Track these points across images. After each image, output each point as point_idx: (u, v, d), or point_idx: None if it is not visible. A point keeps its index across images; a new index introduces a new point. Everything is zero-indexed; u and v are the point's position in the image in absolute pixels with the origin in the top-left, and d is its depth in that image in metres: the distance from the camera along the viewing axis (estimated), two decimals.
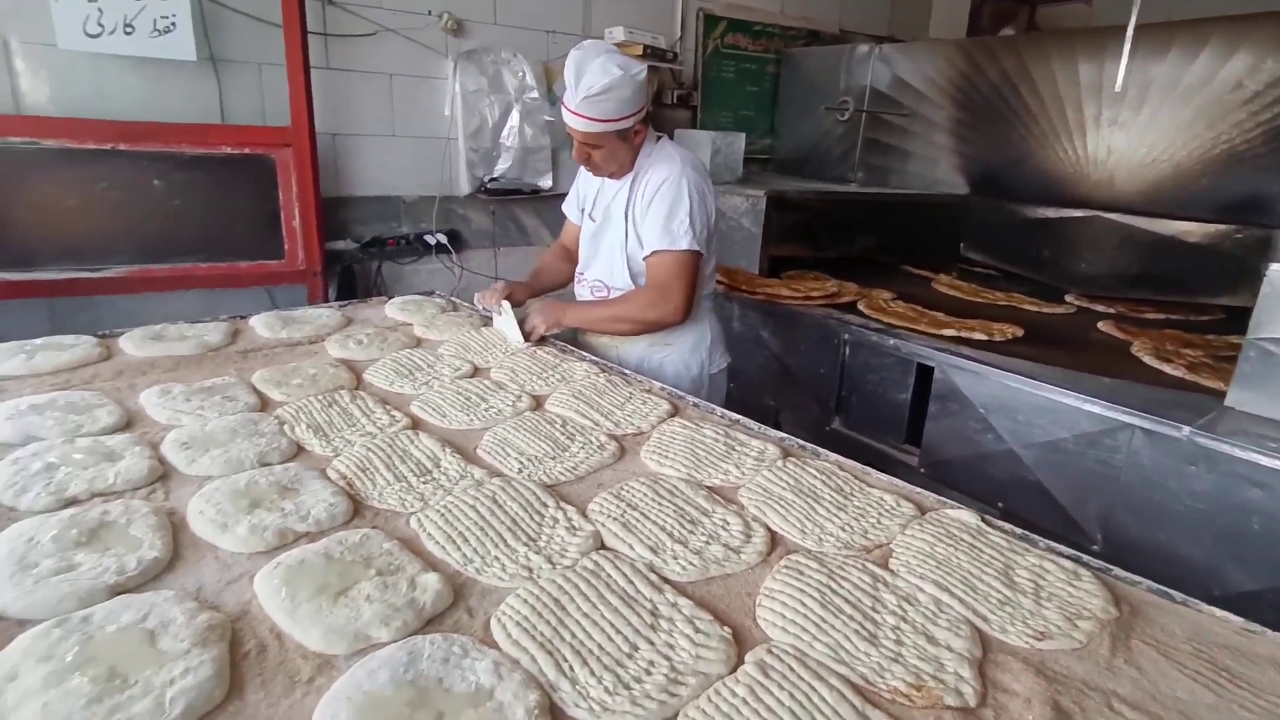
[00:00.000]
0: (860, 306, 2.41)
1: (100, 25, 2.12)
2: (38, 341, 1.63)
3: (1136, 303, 2.66)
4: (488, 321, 2.03)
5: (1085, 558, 1.00)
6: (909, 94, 3.40)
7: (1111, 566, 0.99)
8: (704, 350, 1.94)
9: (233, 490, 1.07)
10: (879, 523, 1.08)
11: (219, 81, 2.45)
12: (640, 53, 3.17)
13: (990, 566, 0.96)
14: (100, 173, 2.23)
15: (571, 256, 2.10)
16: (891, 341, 2.12)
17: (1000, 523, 1.08)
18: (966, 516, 1.08)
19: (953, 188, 3.32)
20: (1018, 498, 1.83)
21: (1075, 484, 1.74)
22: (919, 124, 3.41)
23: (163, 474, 1.14)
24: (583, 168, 1.89)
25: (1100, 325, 2.41)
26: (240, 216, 2.46)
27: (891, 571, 0.96)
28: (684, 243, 1.72)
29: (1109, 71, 2.69)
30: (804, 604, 0.88)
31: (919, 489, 1.19)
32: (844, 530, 1.06)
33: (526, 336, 1.81)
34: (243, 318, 1.95)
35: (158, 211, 2.32)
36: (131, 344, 1.69)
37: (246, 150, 2.40)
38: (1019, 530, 1.06)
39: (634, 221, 1.82)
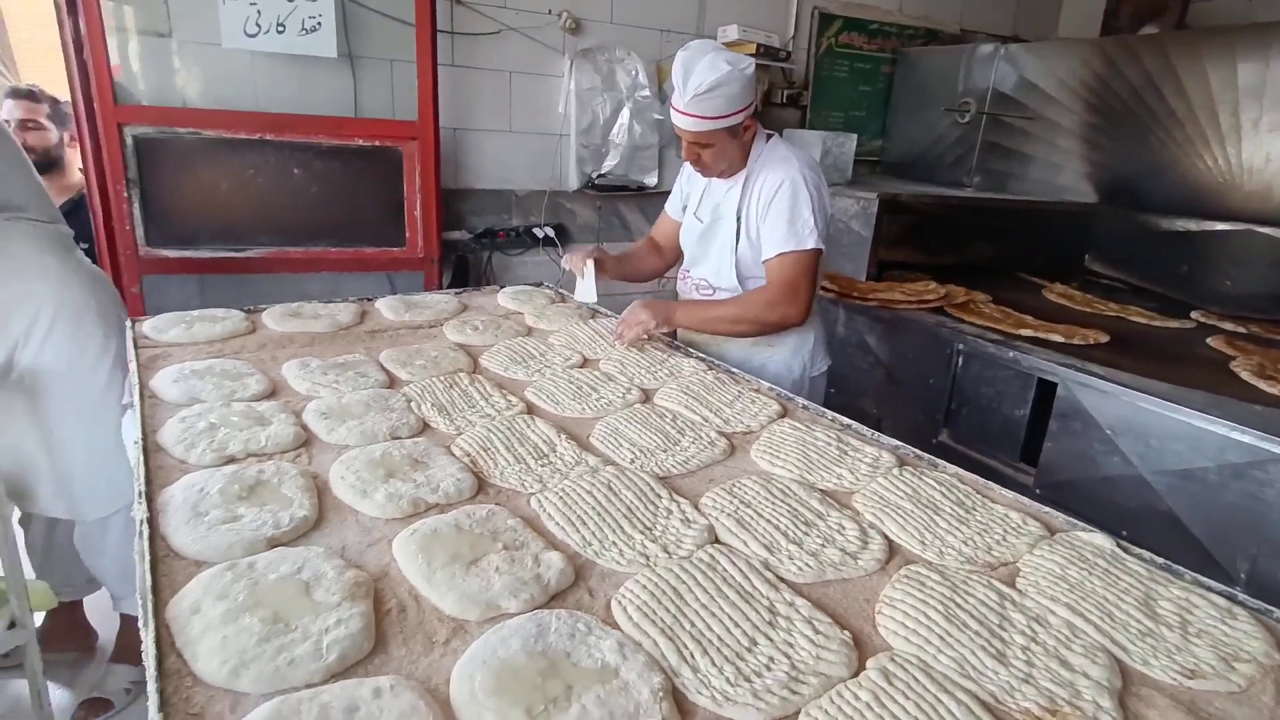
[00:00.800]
0: (945, 306, 2.34)
1: (257, 25, 2.30)
2: (194, 313, 1.79)
3: (1275, 324, 2.44)
4: (595, 313, 2.07)
5: (1241, 595, 0.93)
6: (1035, 96, 3.23)
7: (1273, 609, 0.91)
8: (806, 353, 1.91)
9: (369, 460, 1.14)
10: (1004, 540, 1.04)
11: (354, 77, 2.60)
12: (753, 51, 3.15)
13: (1129, 595, 0.91)
14: (249, 160, 2.41)
15: (662, 252, 2.11)
16: (1010, 354, 2.02)
17: (1138, 550, 1.01)
18: (1101, 540, 1.03)
19: (1078, 195, 3.13)
20: (1146, 528, 1.71)
21: (1215, 519, 1.61)
22: (1044, 127, 3.23)
23: (305, 440, 1.23)
24: (686, 165, 1.90)
25: (1210, 340, 2.26)
26: (368, 205, 2.61)
27: (1019, 591, 0.93)
28: (810, 241, 1.71)
29: (1275, 72, 2.46)
30: (927, 615, 0.86)
31: (1047, 508, 1.13)
32: (966, 545, 1.02)
33: (627, 338, 1.77)
34: (369, 300, 2.07)
35: (296, 198, 2.50)
36: (273, 320, 1.83)
37: (377, 142, 2.54)
38: (1160, 559, 1.00)
39: (746, 222, 1.80)
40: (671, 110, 1.71)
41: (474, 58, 2.85)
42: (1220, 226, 2.70)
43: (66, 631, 2.00)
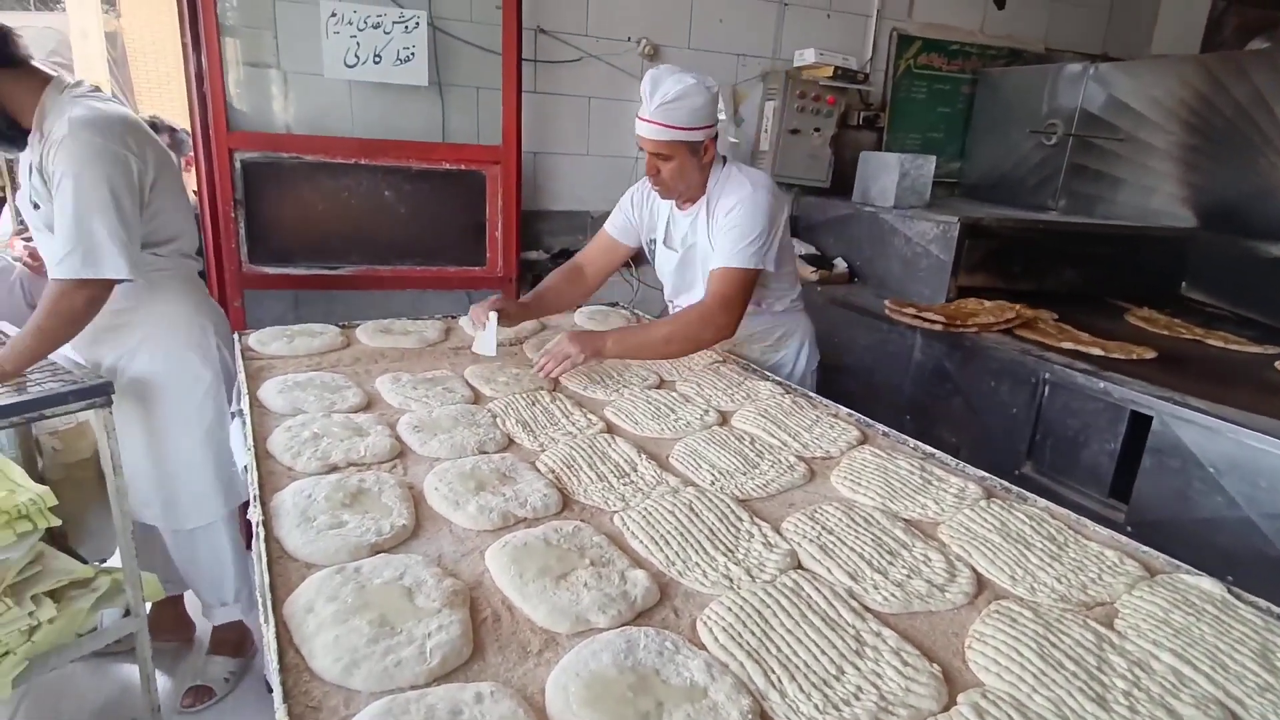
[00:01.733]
0: (1010, 327, 2.34)
1: (356, 56, 2.44)
2: (295, 328, 1.90)
3: None
4: None
5: None
6: (1127, 116, 3.11)
7: None
8: (806, 351, 2.05)
9: (460, 472, 1.19)
10: (1099, 579, 1.00)
11: (443, 103, 2.73)
12: (830, 74, 3.15)
13: (1243, 645, 0.87)
14: (344, 183, 2.55)
15: (584, 278, 2.08)
16: (1101, 385, 1.94)
17: (1253, 597, 0.96)
18: (1209, 585, 0.98)
19: (1173, 220, 2.99)
20: (1253, 574, 1.61)
21: None
22: (1136, 149, 3.10)
23: (400, 452, 1.29)
24: (631, 191, 2.02)
25: (1277, 364, 2.16)
26: (452, 226, 2.72)
27: (1118, 633, 0.89)
28: (754, 261, 1.74)
29: None
30: (1020, 652, 0.84)
31: (1146, 548, 1.09)
32: (1059, 582, 0.99)
33: (551, 371, 1.70)
34: (453, 317, 2.15)
35: (386, 219, 2.62)
36: (365, 335, 1.93)
37: (462, 166, 2.65)
38: (1278, 609, 0.95)
39: (714, 244, 1.83)
40: (638, 122, 1.74)
41: (555, 84, 2.94)
42: None
43: (170, 622, 2.13)
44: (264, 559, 0.91)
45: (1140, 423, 1.86)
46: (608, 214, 3.17)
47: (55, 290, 1.58)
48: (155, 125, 2.69)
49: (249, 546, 2.57)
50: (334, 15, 2.39)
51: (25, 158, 1.66)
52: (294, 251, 2.54)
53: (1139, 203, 3.12)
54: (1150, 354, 2.15)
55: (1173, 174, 3.00)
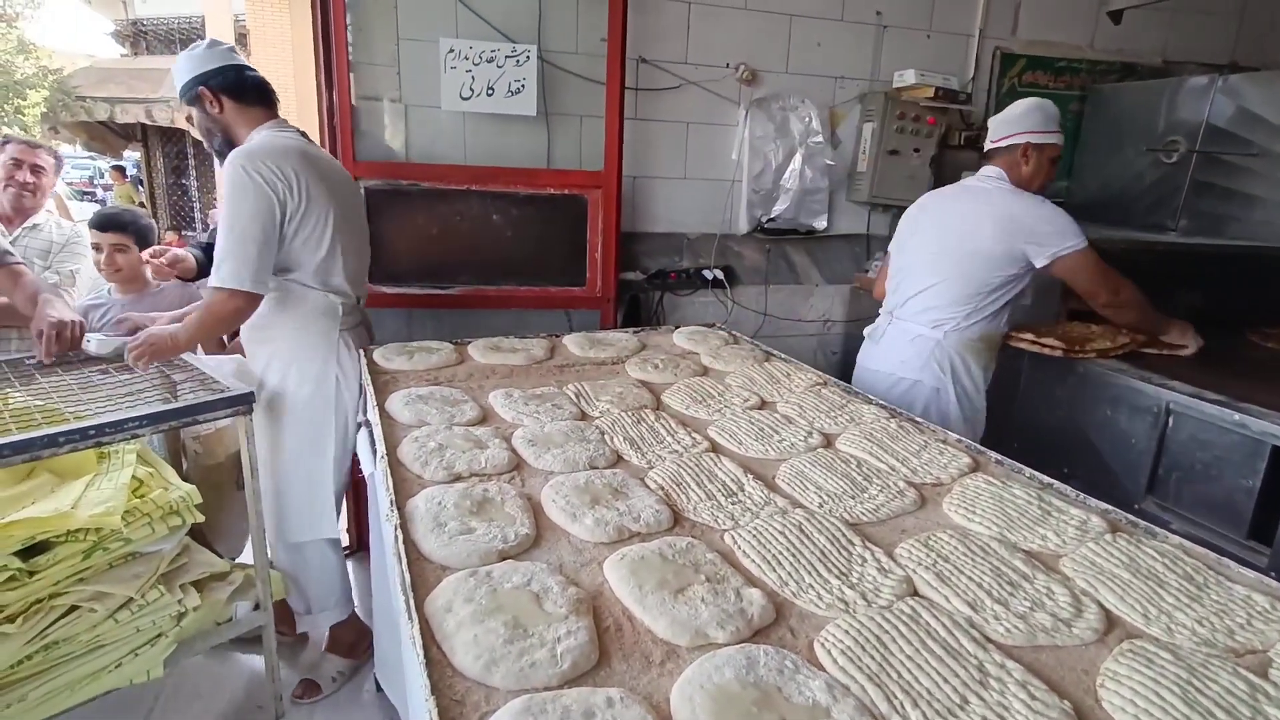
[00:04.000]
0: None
1: (471, 90, 2.59)
2: (414, 344, 2.02)
3: None
4: (768, 357, 2.11)
5: None
6: (1261, 129, 2.91)
7: None
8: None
9: (575, 486, 1.24)
10: (1249, 624, 0.95)
11: (549, 131, 2.84)
12: (931, 95, 3.10)
13: None
14: (457, 208, 2.70)
15: None
16: (1236, 417, 1.81)
17: None
18: None
19: None
20: None
21: None
22: (1271, 164, 2.89)
23: (517, 464, 1.36)
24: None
25: None
26: (554, 248, 2.82)
27: (1274, 683, 0.84)
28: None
29: None
30: (1160, 696, 0.80)
31: None
32: (1201, 625, 0.94)
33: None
34: (557, 336, 2.23)
35: (493, 241, 2.75)
36: (477, 352, 2.03)
37: (566, 191, 2.75)
38: None
39: None
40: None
41: (655, 111, 3.02)
42: None
43: (286, 619, 2.28)
44: (404, 560, 0.98)
45: None
46: (704, 235, 3.23)
47: (208, 294, 1.79)
48: None
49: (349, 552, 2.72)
50: (452, 51, 2.54)
51: None
52: (409, 272, 2.69)
53: (1273, 222, 2.90)
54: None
55: None
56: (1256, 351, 2.46)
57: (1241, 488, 1.81)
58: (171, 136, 9.72)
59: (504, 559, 1.02)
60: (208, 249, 2.25)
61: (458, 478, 1.27)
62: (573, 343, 2.15)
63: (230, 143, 1.89)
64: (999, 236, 2.04)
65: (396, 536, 1.04)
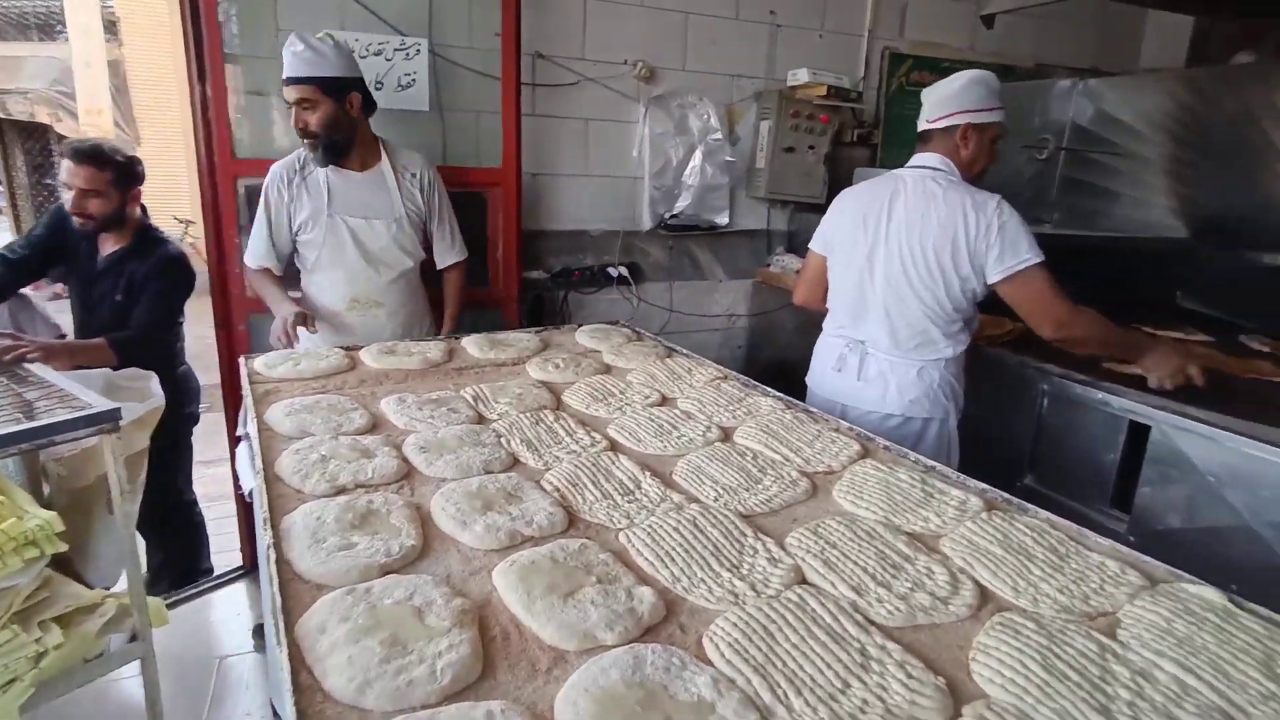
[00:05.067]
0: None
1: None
2: (300, 351, 1.92)
3: None
4: (670, 353, 2.11)
5: None
6: (1118, 130, 3.15)
7: None
8: None
9: (467, 492, 1.20)
10: (1101, 589, 1.01)
11: (444, 127, 2.76)
12: (824, 93, 3.20)
13: (1246, 654, 0.87)
14: None
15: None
16: (1099, 396, 1.96)
17: (1254, 606, 0.97)
18: (1211, 594, 0.99)
19: (1168, 231, 3.02)
20: (1257, 583, 1.61)
21: None
22: (1129, 162, 3.14)
23: (407, 472, 1.31)
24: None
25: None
26: None
27: (1121, 643, 0.90)
28: None
29: None
30: (1024, 664, 0.85)
31: (1147, 558, 1.10)
32: (1061, 593, 1.00)
33: None
34: (456, 338, 2.17)
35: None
36: (370, 357, 1.94)
37: (464, 188, 2.68)
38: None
39: None
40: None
41: (554, 107, 2.99)
42: None
43: None
44: (275, 581, 0.92)
45: (1140, 433, 1.87)
46: (608, 233, 3.22)
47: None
48: (101, 153, 2.33)
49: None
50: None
51: None
52: (296, 274, 2.56)
53: (1133, 215, 3.15)
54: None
55: (1165, 186, 3.03)
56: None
57: (1105, 462, 1.95)
58: (32, 132, 8.90)
59: (386, 573, 0.98)
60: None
61: (341, 490, 1.21)
62: (472, 344, 2.10)
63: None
64: (961, 245, 1.83)
65: (268, 556, 0.98)
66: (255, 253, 2.27)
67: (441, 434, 1.45)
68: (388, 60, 2.51)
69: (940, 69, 3.74)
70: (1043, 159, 3.38)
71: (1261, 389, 2.03)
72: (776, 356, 3.42)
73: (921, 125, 2.00)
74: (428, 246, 2.43)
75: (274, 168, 2.25)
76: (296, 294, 2.34)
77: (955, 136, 1.93)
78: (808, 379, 2.21)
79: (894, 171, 2.03)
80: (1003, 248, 1.80)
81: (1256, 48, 3.12)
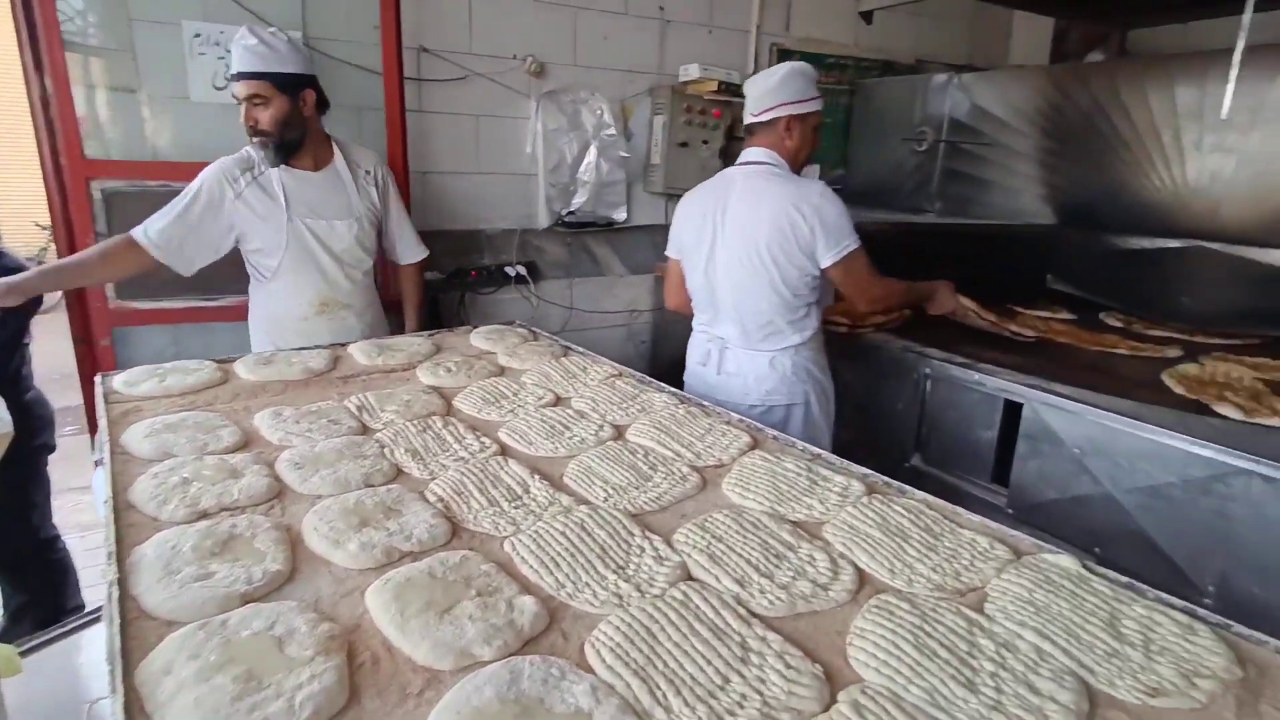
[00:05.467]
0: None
1: (225, 80, 2.33)
2: (167, 365, 1.78)
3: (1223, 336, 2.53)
4: (566, 352, 2.09)
5: (1201, 611, 0.96)
6: (990, 122, 3.35)
7: (1232, 623, 0.94)
8: None
9: (343, 509, 1.14)
10: (972, 565, 1.06)
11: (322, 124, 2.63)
12: (715, 88, 3.24)
13: (1095, 616, 0.93)
14: None
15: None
16: (976, 377, 2.07)
17: (1104, 570, 1.04)
18: (1067, 562, 1.05)
19: (1038, 218, 3.23)
20: (1117, 545, 1.75)
21: (1184, 534, 1.64)
22: (1001, 153, 3.34)
23: (279, 491, 1.23)
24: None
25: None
26: None
27: (988, 616, 0.94)
28: None
29: (1210, 95, 2.58)
30: (897, 645, 0.87)
31: (1013, 531, 1.16)
32: (935, 572, 1.04)
33: None
34: (342, 345, 2.07)
35: None
36: (245, 369, 1.82)
37: None
38: (1124, 579, 1.03)
39: None
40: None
41: (441, 103, 2.90)
42: (1173, 244, 2.80)
43: None
44: (115, 622, 0.84)
45: (1014, 411, 1.99)
46: (504, 231, 3.15)
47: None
48: None
49: None
50: (198, 36, 2.27)
51: None
52: (168, 285, 2.37)
53: (1006, 203, 3.35)
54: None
55: (1034, 175, 3.24)
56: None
57: (984, 439, 2.06)
58: None
59: (247, 602, 0.91)
60: None
61: (203, 515, 1.12)
62: (358, 351, 2.00)
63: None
64: (790, 237, 1.93)
65: (110, 595, 0.89)
66: (151, 229, 2.05)
67: (319, 448, 1.37)
68: None
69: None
70: (923, 150, 3.55)
71: (1102, 360, 2.24)
72: (680, 350, 3.44)
73: (746, 119, 2.07)
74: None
75: (215, 166, 2.12)
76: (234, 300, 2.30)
77: (779, 128, 2.00)
78: (685, 375, 2.30)
79: (726, 171, 2.13)
80: (829, 236, 1.93)
81: (1104, 48, 3.37)
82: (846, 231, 1.94)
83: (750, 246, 1.98)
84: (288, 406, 1.59)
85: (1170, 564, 1.67)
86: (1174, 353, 2.32)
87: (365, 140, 2.70)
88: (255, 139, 2.09)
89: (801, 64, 2.01)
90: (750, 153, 2.06)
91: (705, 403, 1.71)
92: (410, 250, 2.46)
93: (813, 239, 1.93)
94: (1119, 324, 2.69)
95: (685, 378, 2.29)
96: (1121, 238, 2.94)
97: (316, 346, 2.02)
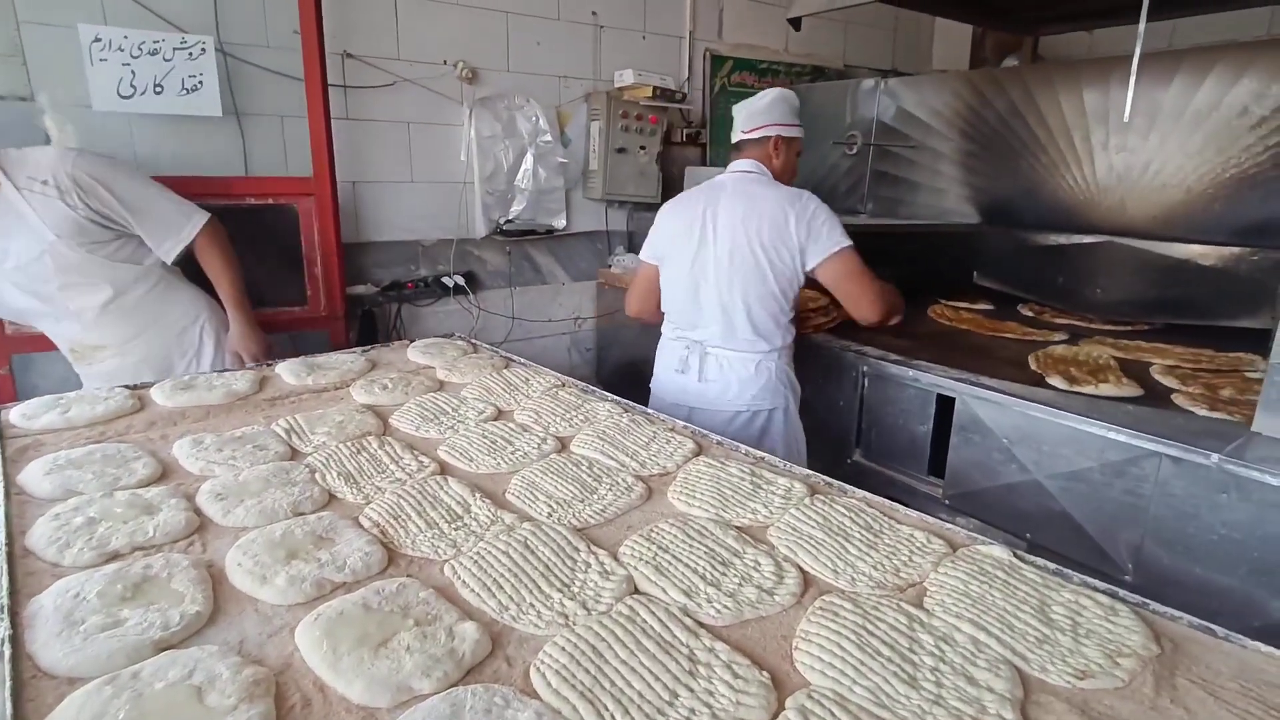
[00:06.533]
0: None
1: (132, 87, 2.21)
2: (71, 395, 1.67)
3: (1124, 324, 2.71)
4: (508, 364, 2.05)
5: (1122, 592, 1.00)
6: (915, 126, 3.45)
7: (1149, 601, 0.98)
8: None
9: (269, 541, 1.08)
10: (911, 560, 1.08)
11: (243, 134, 2.52)
12: (650, 94, 3.25)
13: (1026, 603, 0.96)
14: None
15: None
16: (910, 373, 2.12)
17: (1033, 558, 1.07)
18: (999, 552, 1.08)
19: (963, 217, 3.35)
20: (1046, 529, 1.81)
21: (1104, 515, 1.72)
22: (926, 155, 3.45)
23: (199, 526, 1.16)
24: None
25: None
26: (264, 265, 2.51)
27: (927, 611, 0.96)
28: None
29: (1114, 99, 2.72)
30: (841, 646, 0.88)
31: (949, 525, 1.18)
32: (876, 569, 1.06)
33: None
34: (269, 365, 1.98)
35: (187, 261, 2.38)
36: (162, 394, 1.72)
37: (270, 200, 2.47)
38: (1052, 565, 1.06)
39: None
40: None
41: (370, 110, 2.82)
42: (1086, 240, 2.93)
43: None
44: (7, 684, 0.77)
45: (946, 404, 2.04)
46: (440, 241, 3.08)
47: None
48: None
49: None
50: (98, 40, 2.14)
51: None
52: None
53: (934, 204, 3.46)
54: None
55: (957, 176, 3.35)
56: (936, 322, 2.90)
57: (920, 433, 2.11)
58: None
59: (163, 650, 0.85)
60: None
61: (114, 556, 1.05)
62: (287, 370, 1.92)
63: None
64: (782, 235, 1.97)
65: (2, 654, 0.82)
66: None
67: (244, 476, 1.30)
68: (166, 60, 2.24)
69: (759, 69, 3.92)
70: (853, 154, 3.63)
71: (991, 344, 2.43)
72: (625, 355, 3.44)
73: (737, 136, 2.15)
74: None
75: None
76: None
77: (768, 146, 2.10)
78: (651, 384, 2.27)
79: (715, 179, 2.16)
80: (818, 236, 1.99)
81: (1018, 54, 3.52)
82: (838, 233, 2.00)
83: (742, 247, 2.00)
84: (210, 433, 1.50)
85: (1094, 544, 1.74)
86: (1059, 337, 2.52)
87: (289, 151, 2.61)
88: None
89: (788, 91, 2.13)
90: (741, 163, 2.12)
91: (649, 410, 1.70)
92: (171, 237, 1.98)
93: (804, 238, 1.98)
94: (1030, 314, 2.87)
95: (653, 386, 2.25)
96: (1040, 234, 3.06)
97: (244, 367, 1.93)
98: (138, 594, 0.94)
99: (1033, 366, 2.09)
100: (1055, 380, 1.94)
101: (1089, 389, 1.89)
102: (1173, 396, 1.88)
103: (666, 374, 2.19)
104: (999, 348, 2.38)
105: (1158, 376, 2.04)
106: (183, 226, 1.97)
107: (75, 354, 1.95)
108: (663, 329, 2.25)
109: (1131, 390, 1.90)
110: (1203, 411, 1.76)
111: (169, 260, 2.02)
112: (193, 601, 0.93)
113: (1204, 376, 2.04)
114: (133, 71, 2.19)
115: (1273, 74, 2.41)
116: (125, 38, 2.17)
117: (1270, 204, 2.50)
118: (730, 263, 2.02)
